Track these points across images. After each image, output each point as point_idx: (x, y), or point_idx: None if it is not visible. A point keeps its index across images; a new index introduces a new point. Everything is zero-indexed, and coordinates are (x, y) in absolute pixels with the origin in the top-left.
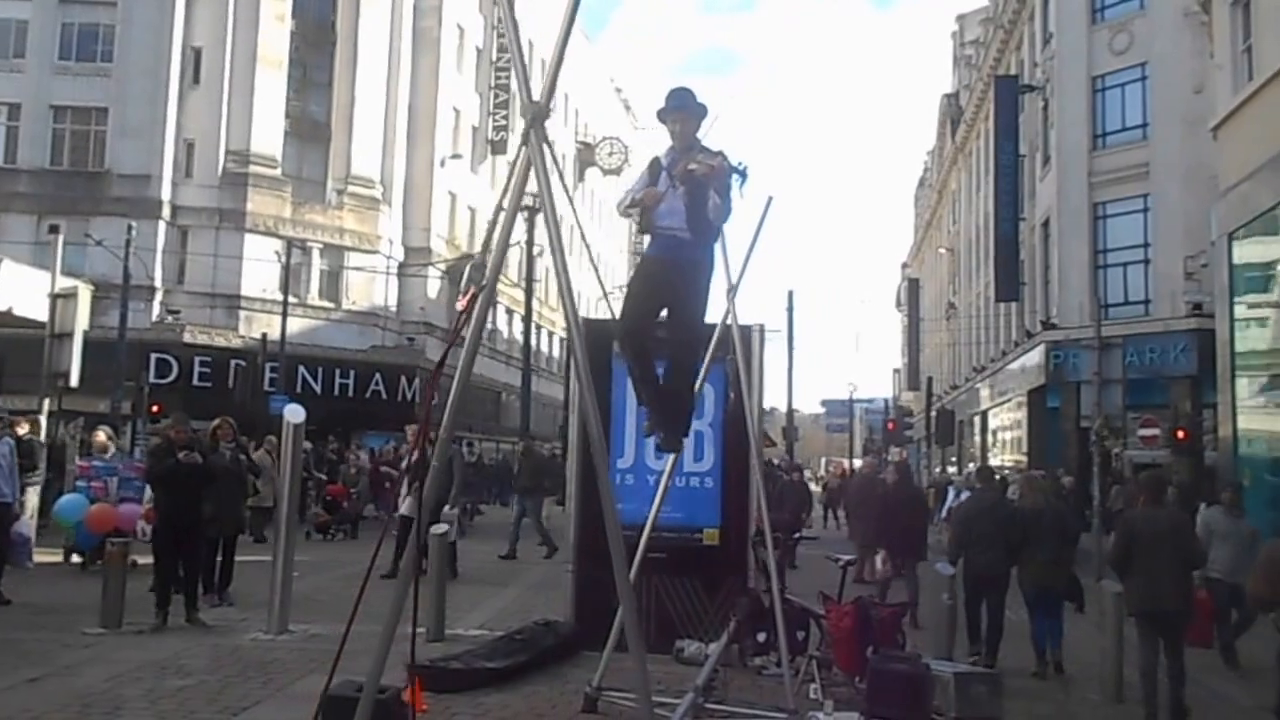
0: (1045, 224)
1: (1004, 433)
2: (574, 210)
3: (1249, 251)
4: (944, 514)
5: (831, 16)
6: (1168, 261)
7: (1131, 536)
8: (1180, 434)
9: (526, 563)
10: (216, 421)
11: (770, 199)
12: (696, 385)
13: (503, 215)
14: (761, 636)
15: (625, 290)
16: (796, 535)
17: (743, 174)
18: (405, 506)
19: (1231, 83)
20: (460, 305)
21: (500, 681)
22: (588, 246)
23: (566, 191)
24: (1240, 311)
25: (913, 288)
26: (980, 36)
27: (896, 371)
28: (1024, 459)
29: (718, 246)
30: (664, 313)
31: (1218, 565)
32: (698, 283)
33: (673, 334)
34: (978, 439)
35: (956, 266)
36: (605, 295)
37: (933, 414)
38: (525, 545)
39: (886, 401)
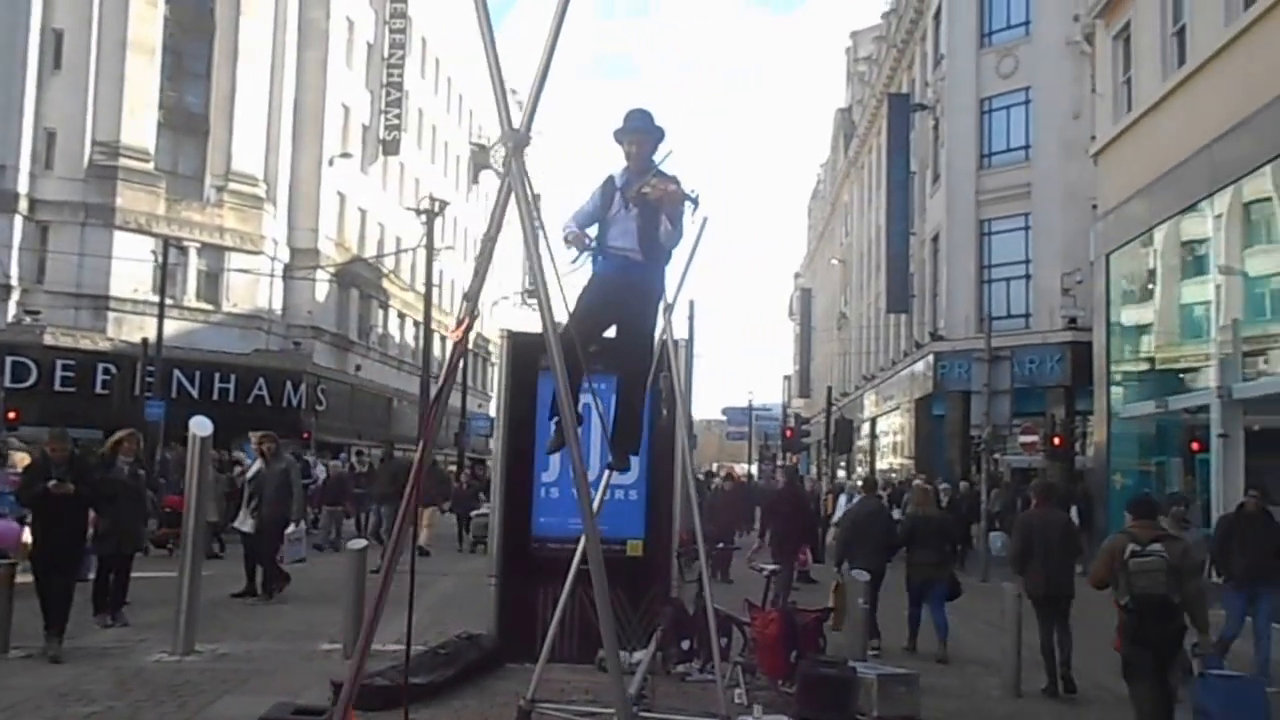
0: (935, 239)
1: (891, 438)
2: (532, 224)
3: (1125, 269)
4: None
5: (729, 23)
6: (1047, 277)
7: (1028, 535)
8: (1056, 441)
9: (428, 574)
10: (121, 434)
11: (706, 220)
12: (644, 405)
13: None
14: (685, 644)
15: (574, 305)
16: (720, 545)
17: (695, 201)
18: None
19: (1112, 111)
20: (453, 336)
21: (429, 697)
22: (547, 247)
23: (534, 221)
24: (1116, 324)
25: (805, 297)
26: (873, 54)
27: (787, 378)
28: (910, 464)
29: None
30: (610, 331)
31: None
32: (648, 304)
33: (622, 354)
34: (866, 444)
35: (848, 277)
36: (527, 300)
37: (832, 421)
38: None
39: (784, 408)
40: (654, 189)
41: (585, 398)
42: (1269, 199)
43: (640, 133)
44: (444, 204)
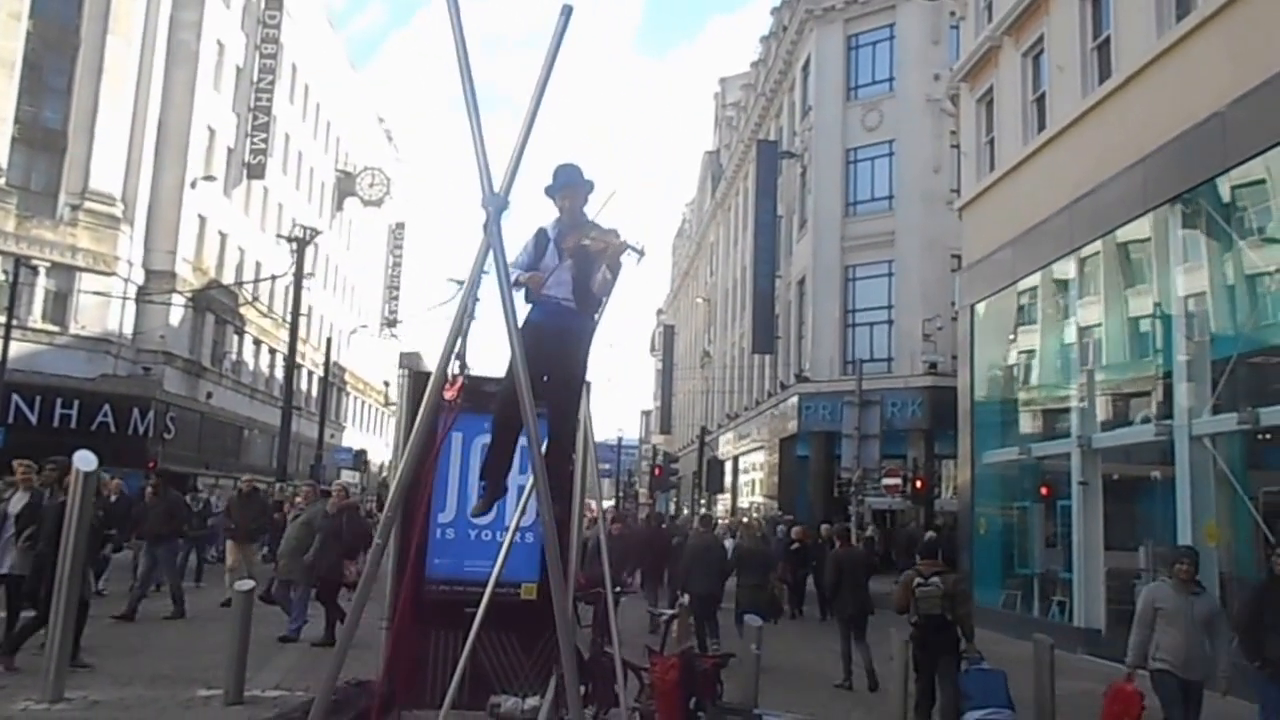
0: (801, 282)
1: (754, 475)
2: (508, 284)
3: (989, 318)
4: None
5: (601, 62)
6: (908, 322)
7: (839, 568)
8: (919, 484)
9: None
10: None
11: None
12: (572, 450)
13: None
14: (580, 689)
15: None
16: (616, 590)
17: (640, 252)
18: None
19: (976, 169)
20: (450, 394)
21: None
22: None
23: (509, 280)
24: (980, 370)
25: (668, 334)
26: (742, 100)
27: (646, 414)
28: (773, 502)
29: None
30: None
31: (1164, 653)
32: (580, 351)
33: (552, 401)
34: (728, 481)
35: (713, 316)
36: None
37: (705, 461)
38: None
39: (642, 443)
40: (595, 241)
41: (484, 438)
42: (1132, 254)
43: (571, 187)
44: (315, 232)
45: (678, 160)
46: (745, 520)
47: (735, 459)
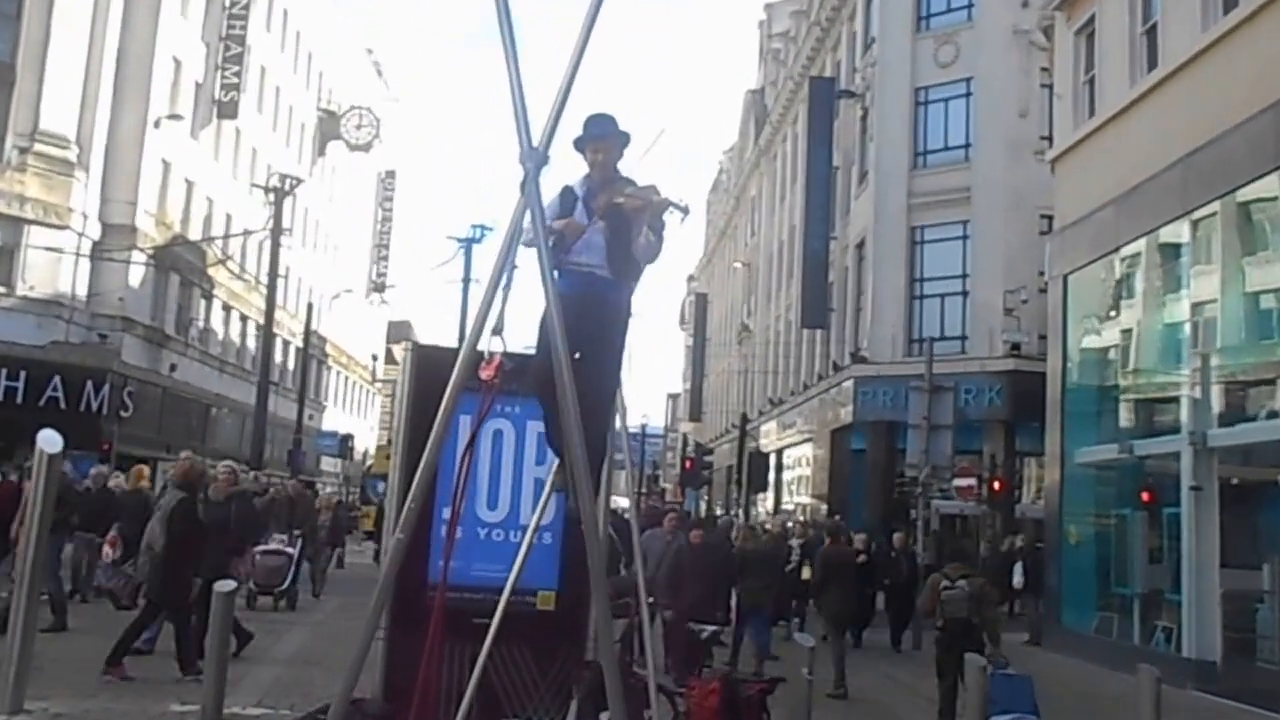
0: (859, 245)
1: (800, 472)
2: (547, 248)
3: (1086, 291)
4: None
5: None
6: (987, 295)
7: (826, 568)
8: (996, 484)
9: (271, 622)
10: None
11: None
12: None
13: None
14: (605, 715)
15: (537, 333)
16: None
17: (684, 210)
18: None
19: (1072, 114)
20: (486, 374)
21: None
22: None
23: (548, 242)
24: (1072, 352)
25: (700, 304)
26: (791, 30)
27: (673, 398)
28: (821, 504)
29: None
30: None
31: None
32: (614, 328)
33: (582, 387)
34: (771, 478)
35: (753, 284)
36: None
37: (745, 454)
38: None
39: (668, 432)
40: (630, 199)
41: (497, 423)
42: (1255, 216)
43: (603, 140)
44: (295, 181)
45: (714, 100)
46: (750, 525)
47: (778, 452)
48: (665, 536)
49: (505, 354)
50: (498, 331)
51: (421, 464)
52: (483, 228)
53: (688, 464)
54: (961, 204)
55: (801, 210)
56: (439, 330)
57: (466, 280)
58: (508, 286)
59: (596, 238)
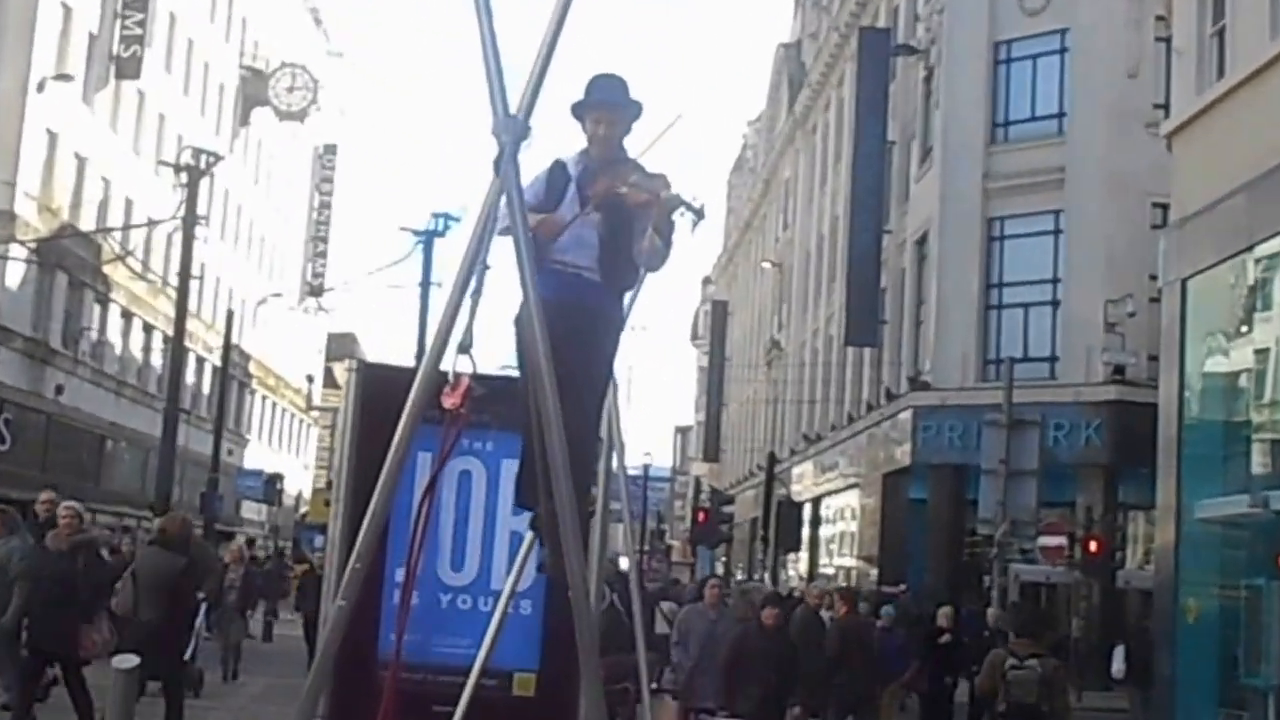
0: (921, 240)
1: (843, 528)
2: (526, 237)
3: (1212, 301)
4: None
5: None
6: (1082, 304)
7: (843, 640)
8: (1093, 545)
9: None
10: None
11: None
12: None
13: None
14: None
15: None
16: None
17: (698, 213)
18: None
19: (1195, 76)
20: (451, 401)
21: None
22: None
23: (526, 232)
24: (1193, 378)
25: (718, 314)
26: None
27: (682, 432)
28: (870, 568)
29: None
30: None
31: None
32: (603, 343)
33: (566, 412)
34: (806, 533)
35: (786, 289)
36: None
37: (773, 503)
38: None
39: (694, 478)
40: (634, 190)
41: (464, 462)
42: None
43: (609, 108)
44: (213, 158)
45: (736, 56)
46: (744, 586)
47: (815, 501)
48: (709, 614)
49: (475, 376)
50: (465, 348)
51: (369, 513)
52: (446, 217)
53: (701, 516)
54: (1052, 189)
55: (847, 196)
56: (392, 346)
57: (426, 283)
58: (478, 291)
59: (589, 232)
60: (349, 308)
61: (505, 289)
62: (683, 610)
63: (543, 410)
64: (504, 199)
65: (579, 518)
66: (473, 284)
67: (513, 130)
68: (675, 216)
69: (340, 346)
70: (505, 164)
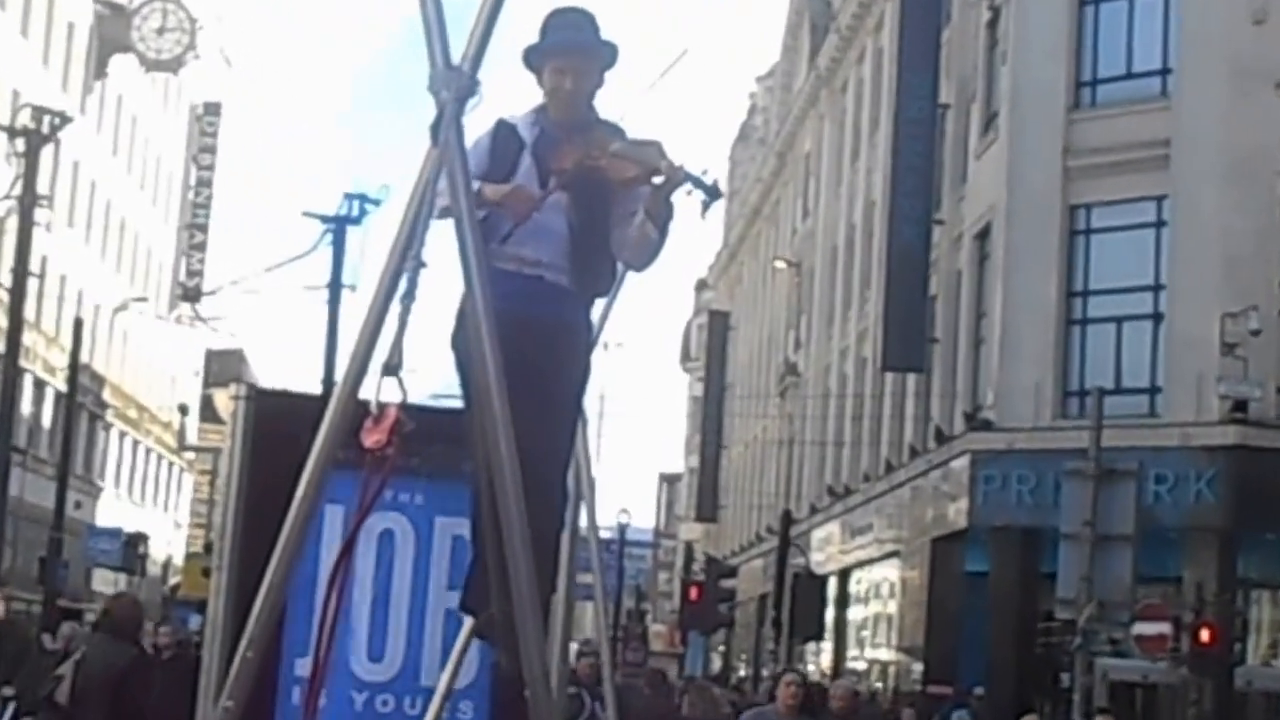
0: (982, 235)
1: (878, 609)
2: (471, 214)
3: None
4: None
5: None
6: (1192, 318)
7: None
8: (1206, 634)
9: None
10: None
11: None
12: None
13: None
14: None
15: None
16: None
17: (709, 191)
18: None
19: None
20: (374, 439)
21: None
22: None
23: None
24: None
25: (717, 328)
26: None
27: (669, 482)
28: (913, 661)
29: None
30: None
31: None
32: (569, 370)
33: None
34: (830, 615)
35: (805, 297)
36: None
37: (787, 576)
38: None
39: (684, 542)
40: (619, 160)
41: (386, 519)
42: None
43: (576, 54)
44: (61, 120)
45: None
46: (699, 685)
47: (842, 575)
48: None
49: (405, 407)
50: (393, 370)
51: (264, 586)
52: (363, 199)
53: (693, 592)
54: (1154, 167)
55: (886, 176)
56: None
57: (336, 285)
58: (410, 295)
59: (553, 219)
60: (235, 317)
61: (443, 293)
62: (745, 715)
63: (494, 464)
64: (444, 175)
65: (540, 600)
66: (402, 286)
67: (456, 86)
68: (678, 197)
69: (224, 368)
70: (446, 129)
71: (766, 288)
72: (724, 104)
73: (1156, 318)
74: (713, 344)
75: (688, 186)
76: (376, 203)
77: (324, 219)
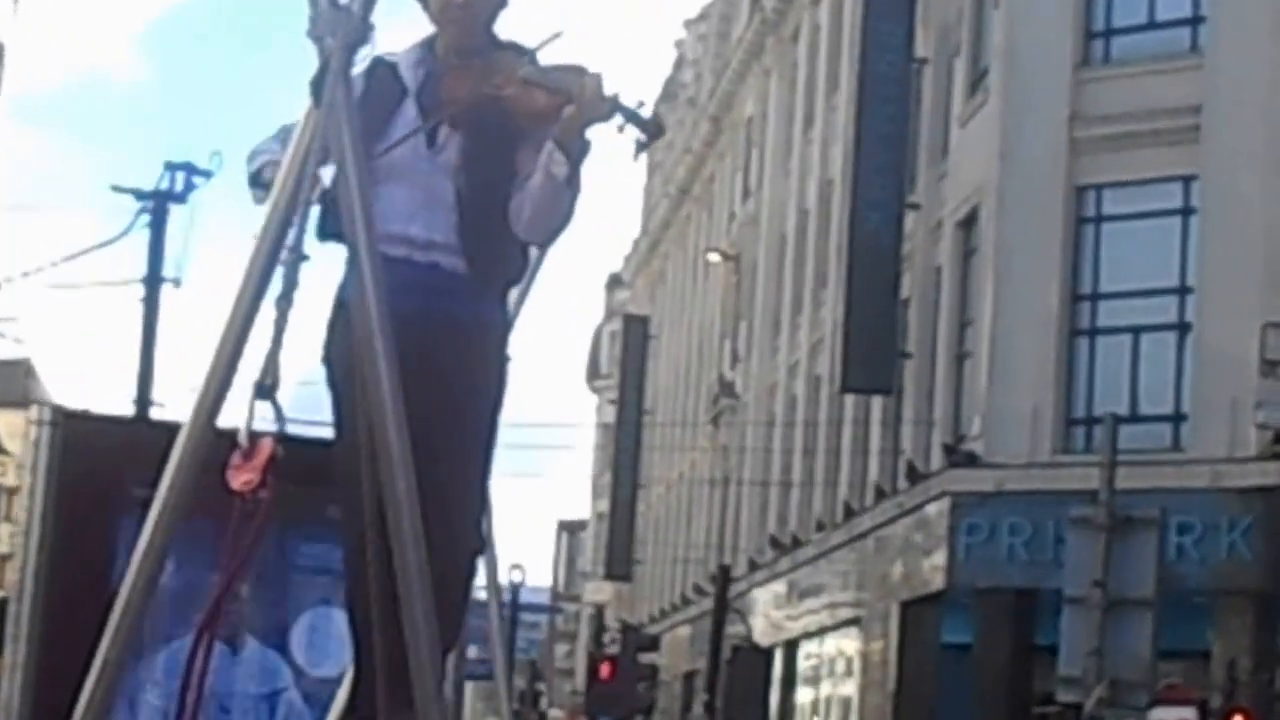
0: (966, 222)
1: (834, 689)
2: (363, 191)
3: None
4: None
5: None
6: (1224, 329)
7: None
8: (1239, 719)
9: None
10: None
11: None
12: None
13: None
14: None
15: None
16: None
17: (649, 127)
18: None
19: None
20: (243, 480)
21: None
22: None
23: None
24: None
25: (634, 337)
26: None
27: (570, 531)
28: None
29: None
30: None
31: None
32: (482, 378)
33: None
34: (774, 699)
35: (745, 298)
36: None
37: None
38: None
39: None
40: (529, 89)
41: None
42: None
43: None
44: None
45: None
46: None
47: (789, 646)
48: None
49: (280, 437)
50: (268, 391)
51: (90, 684)
52: (190, 170)
53: (604, 669)
54: (1180, 140)
55: (848, 149)
56: (95, 384)
57: (155, 279)
58: (287, 296)
59: (440, 182)
60: (20, 320)
61: (321, 287)
62: None
63: (389, 505)
64: (331, 140)
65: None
66: (277, 284)
67: (344, 31)
68: (604, 133)
69: (6, 383)
70: (332, 85)
71: (696, 286)
72: (643, 55)
73: (1182, 328)
74: (628, 357)
75: (618, 119)
76: (207, 174)
77: (139, 195)
